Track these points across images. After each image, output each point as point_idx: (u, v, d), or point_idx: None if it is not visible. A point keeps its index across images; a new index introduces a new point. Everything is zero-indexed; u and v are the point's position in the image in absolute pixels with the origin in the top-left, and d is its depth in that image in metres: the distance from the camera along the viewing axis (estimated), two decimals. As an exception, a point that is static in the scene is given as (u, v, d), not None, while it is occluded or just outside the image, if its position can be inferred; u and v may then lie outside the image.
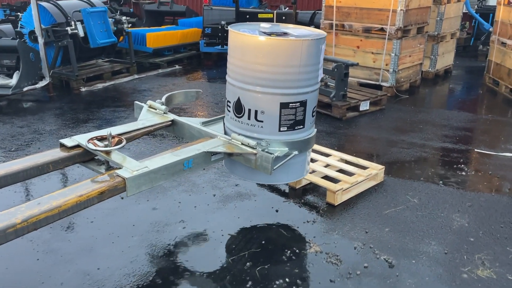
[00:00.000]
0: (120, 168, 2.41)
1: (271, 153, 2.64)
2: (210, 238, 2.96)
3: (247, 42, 2.59)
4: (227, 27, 8.45)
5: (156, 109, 3.21)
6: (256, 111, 2.69)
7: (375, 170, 3.71)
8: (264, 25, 2.95)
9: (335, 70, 5.40)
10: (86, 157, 2.64)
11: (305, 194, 3.57)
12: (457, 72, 8.18)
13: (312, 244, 2.90)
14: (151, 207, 3.31)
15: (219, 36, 8.49)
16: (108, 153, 2.53)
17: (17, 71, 6.05)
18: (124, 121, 5.27)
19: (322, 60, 2.82)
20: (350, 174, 3.67)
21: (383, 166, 3.77)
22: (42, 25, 6.56)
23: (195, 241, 2.93)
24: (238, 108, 2.77)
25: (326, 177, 3.61)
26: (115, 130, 2.83)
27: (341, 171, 3.73)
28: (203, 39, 8.63)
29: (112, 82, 7.10)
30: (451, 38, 7.53)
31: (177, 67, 8.14)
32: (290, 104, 2.67)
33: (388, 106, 5.87)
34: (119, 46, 8.15)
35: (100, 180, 2.33)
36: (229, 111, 2.89)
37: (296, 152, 2.77)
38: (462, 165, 4.12)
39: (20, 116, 5.46)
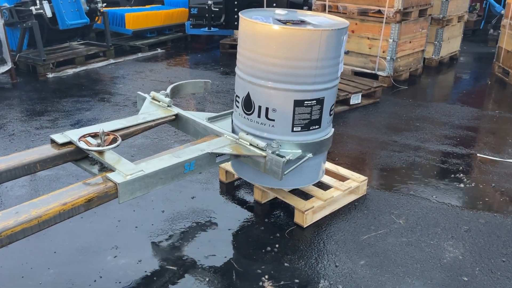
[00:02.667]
0: (113, 170, 2.19)
1: (282, 156, 2.43)
2: (141, 274, 2.42)
3: (259, 31, 2.35)
4: (214, 8, 7.92)
5: (159, 101, 3.03)
6: (267, 109, 2.50)
7: (355, 183, 3.13)
8: (280, 12, 2.68)
9: (322, 58, 4.77)
10: (78, 156, 2.44)
11: (272, 210, 3.01)
12: (464, 59, 7.48)
13: (266, 284, 2.35)
14: (82, 226, 2.78)
15: (206, 17, 7.83)
16: (101, 153, 2.32)
17: (-26, 55, 5.50)
18: (85, 114, 4.71)
19: (343, 53, 2.54)
20: (325, 186, 3.10)
21: (366, 178, 3.19)
22: (6, 4, 6.00)
23: (122, 279, 2.39)
24: (248, 105, 2.56)
25: (296, 190, 3.04)
26: (112, 125, 2.64)
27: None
28: (190, 20, 7.99)
29: (84, 68, 6.51)
30: (458, 22, 6.82)
31: (159, 50, 7.52)
32: (305, 102, 2.46)
33: (384, 99, 5.25)
34: (97, 27, 7.54)
35: (89, 184, 2.12)
36: (237, 107, 2.70)
37: (310, 155, 2.58)
38: (461, 175, 3.53)
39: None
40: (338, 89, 4.94)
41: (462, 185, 3.38)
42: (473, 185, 3.39)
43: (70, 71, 6.32)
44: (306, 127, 2.59)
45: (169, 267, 2.46)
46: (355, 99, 4.95)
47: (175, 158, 2.35)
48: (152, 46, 7.63)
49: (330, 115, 2.74)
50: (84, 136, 2.43)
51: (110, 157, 2.32)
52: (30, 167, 2.32)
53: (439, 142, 4.14)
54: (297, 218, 2.85)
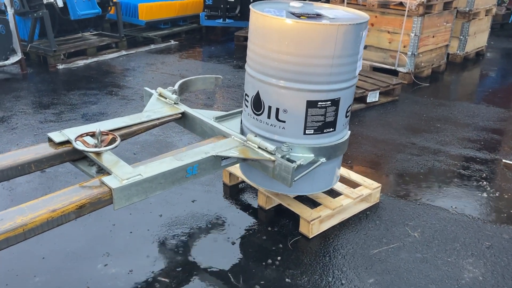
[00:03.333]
0: (109, 174, 2.06)
1: (292, 161, 2.27)
2: (131, 285, 2.26)
3: (269, 26, 2.19)
4: (230, -1, 7.70)
5: (166, 98, 2.89)
6: (277, 109, 2.35)
7: (368, 190, 2.91)
8: (294, 4, 2.53)
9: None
10: (76, 156, 2.31)
11: (277, 218, 2.81)
12: (491, 55, 7.09)
13: (264, 302, 2.16)
14: (75, 229, 2.63)
15: (221, 8, 7.63)
16: (98, 154, 2.18)
17: (-17, 45, 5.42)
18: (91, 107, 4.58)
19: (362, 49, 2.37)
20: (335, 193, 2.89)
21: (379, 185, 2.96)
22: (17, -6, 5.90)
23: (112, 288, 2.23)
24: (257, 104, 2.42)
25: (303, 197, 2.83)
26: (113, 123, 2.51)
27: (325, 188, 2.95)
28: (204, 11, 7.79)
29: (95, 59, 6.39)
30: (485, 15, 6.44)
31: (172, 42, 7.35)
32: (319, 103, 2.31)
33: (403, 97, 4.97)
34: (110, 18, 7.41)
35: (83, 188, 1.98)
36: (246, 106, 2.56)
37: (323, 160, 2.42)
38: (484, 183, 3.26)
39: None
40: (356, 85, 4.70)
41: (485, 195, 3.11)
42: (497, 194, 3.12)
43: (81, 63, 6.21)
44: (319, 130, 2.41)
45: (161, 278, 2.29)
46: (372, 97, 4.69)
47: (177, 161, 2.19)
48: (165, 37, 7.47)
49: (347, 116, 2.54)
50: (81, 135, 2.29)
51: (107, 159, 2.17)
52: (24, 167, 2.20)
53: (461, 145, 3.86)
54: (303, 228, 2.64)
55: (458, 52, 6.30)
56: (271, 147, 2.31)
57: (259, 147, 2.37)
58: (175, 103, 2.86)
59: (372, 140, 3.94)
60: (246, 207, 2.93)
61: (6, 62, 5.57)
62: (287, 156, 2.35)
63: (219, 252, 2.49)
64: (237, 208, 2.91)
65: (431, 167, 3.48)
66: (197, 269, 2.36)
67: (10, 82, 5.39)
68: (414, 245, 2.57)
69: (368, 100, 4.67)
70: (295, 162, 2.30)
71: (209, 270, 2.36)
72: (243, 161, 2.46)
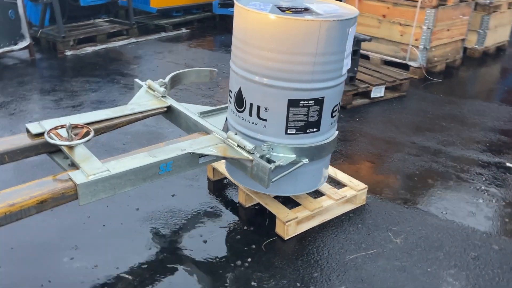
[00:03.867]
0: (77, 168, 2.02)
1: (271, 161, 2.22)
2: (92, 281, 2.21)
3: (251, 20, 2.13)
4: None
5: (155, 91, 2.83)
6: (258, 107, 2.28)
7: (352, 191, 2.78)
8: None
9: (342, 46, 4.34)
10: (52, 148, 2.25)
11: (255, 217, 2.72)
12: (514, 50, 6.74)
13: (223, 306, 2.08)
14: (49, 220, 2.60)
15: (234, -3, 7.49)
16: (70, 147, 2.13)
17: (-9, 30, 5.47)
18: (91, 95, 4.57)
19: (351, 46, 2.29)
20: (318, 193, 2.77)
21: (366, 186, 2.82)
22: (28, -21, 5.93)
23: (70, 286, 2.19)
24: (239, 101, 2.36)
25: (283, 197, 2.73)
26: (94, 116, 2.47)
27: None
28: (218, -1, 7.68)
29: (104, 46, 6.38)
30: (508, 8, 6.09)
31: (183, 30, 7.28)
32: (301, 102, 2.22)
33: (411, 93, 4.76)
34: (123, 5, 7.38)
35: (48, 183, 1.93)
36: (230, 102, 2.50)
37: (306, 161, 2.33)
38: (482, 187, 3.08)
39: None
40: (359, 79, 4.53)
41: (481, 201, 2.93)
42: (494, 201, 2.94)
43: (90, 49, 6.21)
44: (302, 130, 2.32)
45: (124, 275, 2.24)
46: (377, 92, 4.51)
47: (150, 157, 2.13)
48: (177, 25, 7.39)
49: (333, 116, 2.43)
50: (56, 127, 2.26)
51: (79, 153, 2.13)
52: None
53: (464, 146, 3.66)
54: (279, 229, 2.54)
55: (476, 46, 5.99)
56: (249, 146, 2.23)
57: (238, 146, 2.29)
58: (162, 96, 2.79)
59: (370, 137, 3.78)
60: (226, 204, 2.84)
61: (15, 47, 5.61)
62: (267, 156, 2.27)
63: (188, 252, 2.42)
64: (217, 204, 2.83)
65: (427, 168, 3.31)
66: (162, 268, 2.29)
67: (17, 68, 5.44)
68: (394, 252, 2.43)
69: (372, 95, 4.49)
70: (274, 162, 2.22)
71: (174, 269, 2.29)
72: (222, 159, 2.39)
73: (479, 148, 3.63)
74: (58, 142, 2.15)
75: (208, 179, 3.08)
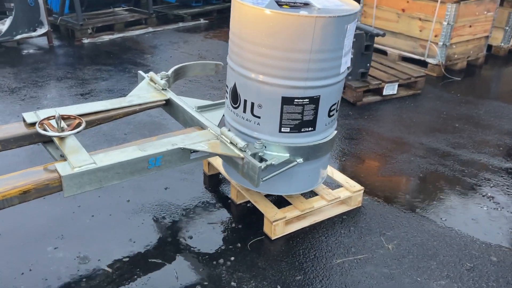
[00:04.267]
0: (65, 160, 2.02)
1: (264, 159, 2.20)
2: (72, 272, 2.21)
3: (245, 15, 2.08)
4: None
5: (156, 83, 2.80)
6: (252, 104, 2.23)
7: (348, 192, 2.68)
8: None
9: (354, 40, 4.19)
10: (46, 138, 2.25)
11: (246, 214, 2.67)
12: (545, 48, 6.39)
13: (198, 305, 2.04)
14: (40, 207, 2.61)
15: (254, -13, 7.38)
16: (61, 138, 2.14)
17: (11, 16, 5.56)
18: (101, 83, 4.59)
19: (350, 44, 2.22)
20: (312, 192, 2.69)
21: (362, 188, 2.72)
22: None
23: (51, 276, 2.19)
24: (234, 97, 2.33)
25: (275, 195, 2.66)
26: (91, 107, 2.47)
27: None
28: (238, -10, 7.58)
29: (121, 34, 6.41)
30: (538, 5, 5.77)
31: (202, 21, 7.24)
32: (296, 100, 2.16)
33: (427, 91, 4.58)
34: (143, -7, 7.41)
35: (34, 173, 1.94)
36: (226, 98, 2.47)
37: (300, 160, 2.27)
38: (489, 194, 2.92)
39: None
40: (371, 76, 4.39)
41: (485, 208, 2.79)
42: (499, 209, 2.79)
43: (107, 38, 6.25)
44: (296, 129, 2.25)
45: (104, 268, 2.22)
46: (390, 89, 4.35)
47: (139, 151, 2.10)
48: (196, 16, 7.36)
49: (330, 116, 2.34)
50: (49, 118, 2.27)
51: (69, 144, 2.12)
52: None
53: (475, 149, 3.49)
54: (266, 228, 2.48)
55: (502, 44, 5.71)
56: (241, 143, 2.18)
57: (230, 142, 2.24)
58: (162, 89, 2.77)
59: (377, 136, 3.65)
60: (218, 200, 2.80)
61: (33, 34, 5.70)
62: (259, 154, 2.22)
63: (172, 247, 2.39)
64: (208, 200, 2.79)
65: (433, 171, 3.17)
66: (144, 262, 2.27)
67: (34, 54, 5.52)
68: (384, 259, 2.33)
69: (385, 93, 4.34)
70: (266, 161, 2.17)
71: (155, 264, 2.27)
72: (213, 155, 2.36)
73: (491, 152, 3.45)
74: (47, 133, 2.16)
75: (204, 173, 3.04)
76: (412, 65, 5.09)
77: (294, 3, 2.22)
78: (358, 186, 2.72)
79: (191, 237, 2.46)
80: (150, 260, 2.29)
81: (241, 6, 2.13)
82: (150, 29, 6.68)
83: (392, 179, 3.07)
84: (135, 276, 2.18)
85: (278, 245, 2.42)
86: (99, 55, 5.53)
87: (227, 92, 2.44)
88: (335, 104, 2.35)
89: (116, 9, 7.11)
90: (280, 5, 2.15)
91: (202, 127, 2.44)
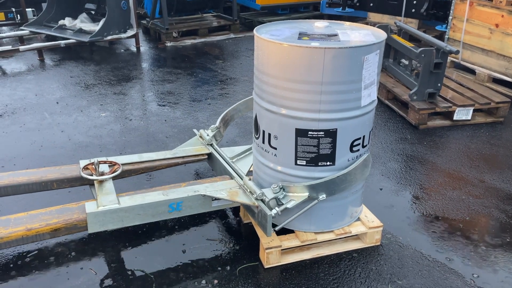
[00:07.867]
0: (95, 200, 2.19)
1: (281, 203, 2.15)
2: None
3: (261, 47, 2.10)
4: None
5: (203, 139, 2.92)
6: (269, 135, 2.22)
7: (362, 227, 2.38)
8: (318, 24, 2.30)
9: (422, 56, 3.78)
10: (90, 181, 2.42)
11: (249, 235, 2.51)
12: None
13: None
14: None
15: (343, -4, 7.11)
16: (100, 182, 2.33)
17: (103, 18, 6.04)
18: (166, 86, 4.76)
19: (372, 75, 2.08)
20: (323, 223, 2.43)
21: (381, 224, 2.39)
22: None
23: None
24: (255, 127, 2.33)
25: (283, 220, 2.46)
26: (138, 157, 2.69)
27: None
28: (327, -2, 7.37)
29: (203, 39, 6.61)
30: None
31: (285, 28, 7.15)
32: (310, 132, 2.10)
33: (510, 120, 3.95)
34: (229, 0, 7.56)
35: (67, 210, 2.14)
36: (253, 128, 2.45)
37: (323, 196, 2.17)
38: (548, 254, 2.38)
39: (78, 63, 5.44)
40: (442, 97, 3.91)
41: (536, 270, 2.28)
42: (556, 274, 2.25)
43: (189, 42, 6.49)
44: (312, 162, 2.16)
45: (91, 271, 2.24)
46: (462, 114, 3.83)
47: (161, 195, 2.22)
48: (281, 23, 7.30)
49: (354, 151, 2.17)
50: (92, 163, 2.47)
51: (106, 187, 2.30)
52: (47, 184, 2.44)
53: (550, 195, 2.89)
54: (261, 255, 2.30)
55: None
56: (257, 191, 2.20)
57: (249, 192, 2.26)
58: (208, 144, 2.87)
59: (430, 167, 3.22)
60: (226, 216, 2.68)
61: (122, 35, 6.13)
62: (279, 197, 2.17)
63: (161, 258, 2.33)
64: (217, 215, 2.69)
65: (484, 215, 2.69)
66: (128, 271, 2.25)
67: (120, 54, 5.93)
68: (382, 312, 2.02)
69: (455, 118, 3.84)
70: (276, 209, 2.12)
71: (139, 273, 2.23)
72: (235, 204, 2.40)
73: None
74: (87, 176, 2.35)
75: (224, 186, 2.95)
76: (503, 87, 4.45)
77: (320, 35, 2.15)
78: (377, 222, 2.40)
79: (184, 251, 2.38)
80: (135, 268, 2.26)
81: (257, 39, 2.13)
82: (232, 35, 6.79)
83: (427, 218, 2.67)
84: (115, 284, 2.17)
85: (269, 275, 2.22)
86: (175, 58, 5.75)
87: (253, 123, 2.41)
88: (359, 138, 2.16)
89: (205, 14, 7.36)
90: (301, 37, 2.09)
91: (231, 176, 2.48)
